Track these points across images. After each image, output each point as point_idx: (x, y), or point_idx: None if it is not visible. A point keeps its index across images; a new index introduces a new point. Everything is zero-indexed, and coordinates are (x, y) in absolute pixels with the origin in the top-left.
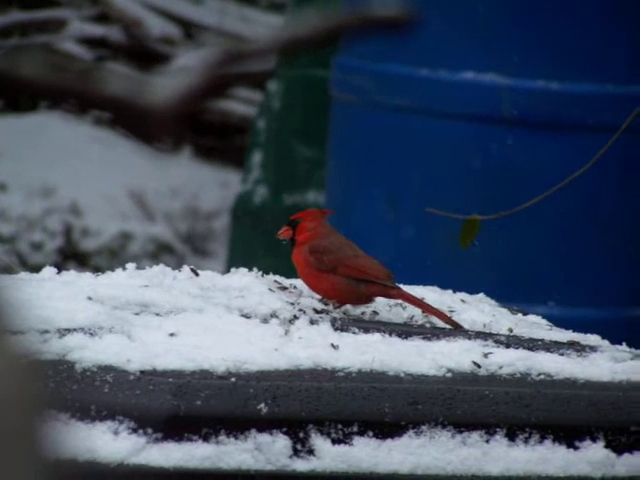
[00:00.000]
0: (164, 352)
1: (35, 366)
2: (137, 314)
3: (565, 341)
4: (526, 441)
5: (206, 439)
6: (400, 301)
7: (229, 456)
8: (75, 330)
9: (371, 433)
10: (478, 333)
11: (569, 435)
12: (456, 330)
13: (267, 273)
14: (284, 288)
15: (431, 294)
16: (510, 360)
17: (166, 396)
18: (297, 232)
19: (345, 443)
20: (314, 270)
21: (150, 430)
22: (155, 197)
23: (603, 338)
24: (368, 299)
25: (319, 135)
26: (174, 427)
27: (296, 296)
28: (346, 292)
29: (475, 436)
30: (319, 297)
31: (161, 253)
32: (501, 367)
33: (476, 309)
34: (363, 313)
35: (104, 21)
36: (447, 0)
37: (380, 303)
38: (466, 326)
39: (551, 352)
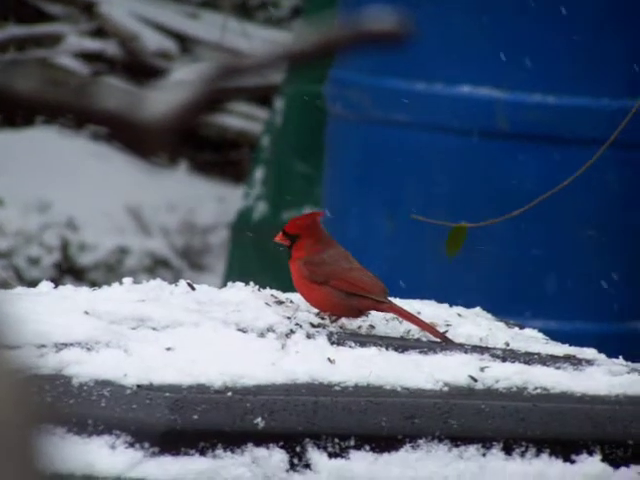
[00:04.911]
0: (161, 366)
1: (32, 381)
2: (134, 328)
3: (561, 355)
4: (522, 455)
5: (203, 453)
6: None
7: (226, 470)
8: (72, 345)
9: (368, 447)
10: (474, 347)
11: (566, 449)
12: (447, 344)
13: (264, 288)
14: (281, 302)
15: (427, 308)
16: (506, 374)
17: (163, 410)
18: (295, 247)
19: (342, 457)
20: (307, 281)
21: (147, 444)
22: (152, 212)
23: (599, 352)
24: (361, 312)
25: (317, 151)
26: (171, 441)
27: (293, 310)
28: (338, 305)
29: (472, 450)
30: (316, 311)
31: (158, 267)
32: (497, 381)
33: (472, 323)
34: (360, 327)
35: (101, 36)
36: (443, 14)
37: (376, 317)
38: (462, 340)
39: (547, 366)
